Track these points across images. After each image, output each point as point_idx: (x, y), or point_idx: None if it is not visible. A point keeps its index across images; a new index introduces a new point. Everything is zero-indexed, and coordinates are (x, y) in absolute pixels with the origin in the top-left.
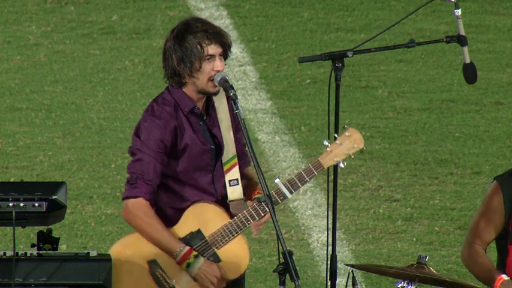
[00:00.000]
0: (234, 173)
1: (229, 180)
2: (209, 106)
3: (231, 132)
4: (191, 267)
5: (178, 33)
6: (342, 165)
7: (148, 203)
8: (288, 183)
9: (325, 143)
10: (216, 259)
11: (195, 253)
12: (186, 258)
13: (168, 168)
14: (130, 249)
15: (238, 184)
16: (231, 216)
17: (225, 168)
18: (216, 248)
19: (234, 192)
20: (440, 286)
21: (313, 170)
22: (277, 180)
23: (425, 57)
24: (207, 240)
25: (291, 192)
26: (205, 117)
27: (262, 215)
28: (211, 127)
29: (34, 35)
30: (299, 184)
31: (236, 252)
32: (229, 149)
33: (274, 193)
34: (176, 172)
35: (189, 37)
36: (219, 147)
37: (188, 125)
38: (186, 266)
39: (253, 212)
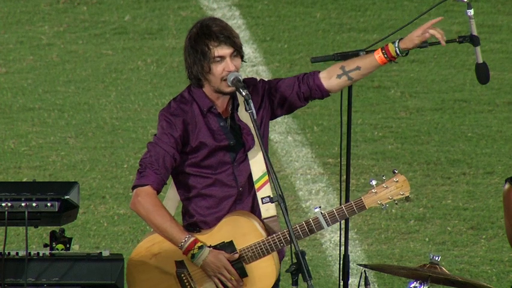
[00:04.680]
0: (265, 191)
1: (262, 198)
2: (233, 109)
3: (260, 149)
4: (196, 258)
5: (191, 35)
6: (384, 209)
7: (156, 192)
8: (327, 216)
9: (372, 182)
10: (243, 273)
11: (199, 244)
12: (190, 249)
13: (186, 163)
14: (157, 247)
15: (270, 201)
16: (267, 233)
17: (257, 186)
18: (245, 263)
19: (268, 209)
20: (452, 286)
21: (355, 209)
22: (316, 210)
23: (437, 57)
24: (237, 253)
25: (328, 225)
26: (227, 119)
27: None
28: (233, 127)
29: (47, 35)
30: (338, 218)
31: (263, 270)
32: (259, 166)
33: (311, 221)
34: (194, 167)
35: (199, 39)
36: (241, 143)
37: (203, 123)
38: (191, 257)
39: (287, 235)
